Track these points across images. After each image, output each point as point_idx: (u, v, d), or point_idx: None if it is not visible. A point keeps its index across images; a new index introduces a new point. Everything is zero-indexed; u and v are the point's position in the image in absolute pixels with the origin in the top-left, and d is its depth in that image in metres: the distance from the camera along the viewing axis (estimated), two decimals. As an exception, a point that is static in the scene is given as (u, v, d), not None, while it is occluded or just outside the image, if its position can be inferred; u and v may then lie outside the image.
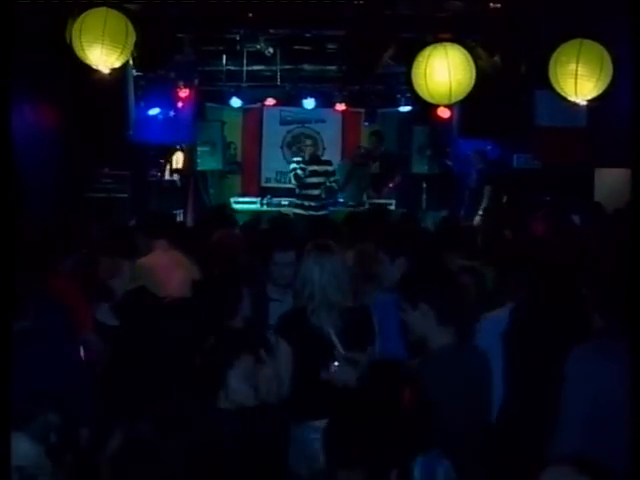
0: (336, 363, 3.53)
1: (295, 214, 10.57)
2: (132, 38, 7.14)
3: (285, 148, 13.46)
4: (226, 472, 2.72)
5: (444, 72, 7.40)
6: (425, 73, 7.41)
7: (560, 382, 3.10)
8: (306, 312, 3.84)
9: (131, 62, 7.90)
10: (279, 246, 4.70)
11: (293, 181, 11.01)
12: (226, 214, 7.39)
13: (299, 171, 10.86)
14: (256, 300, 4.23)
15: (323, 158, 11.61)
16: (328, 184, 11.04)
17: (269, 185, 13.32)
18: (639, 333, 2.83)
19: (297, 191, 11.05)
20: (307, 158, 11.00)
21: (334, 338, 3.75)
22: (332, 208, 11.09)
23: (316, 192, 10.90)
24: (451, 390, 3.02)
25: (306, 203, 10.82)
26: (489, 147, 10.93)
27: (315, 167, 10.96)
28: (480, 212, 10.13)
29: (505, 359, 3.67)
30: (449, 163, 11.77)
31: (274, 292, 4.67)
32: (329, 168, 11.16)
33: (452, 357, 3.17)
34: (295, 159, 11.30)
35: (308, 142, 11.45)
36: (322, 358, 3.69)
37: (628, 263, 3.18)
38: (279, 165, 13.34)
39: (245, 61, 10.76)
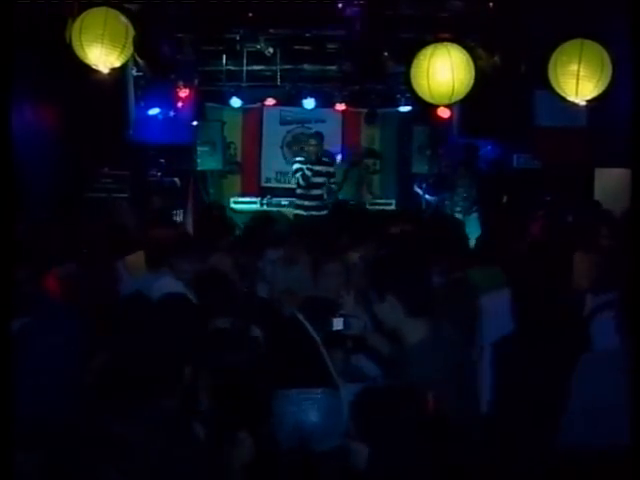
0: (341, 320, 3.63)
1: (295, 215, 10.56)
2: (132, 38, 7.16)
3: (285, 148, 13.44)
4: None
5: (447, 72, 7.39)
6: (428, 73, 7.40)
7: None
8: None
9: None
10: (271, 243, 4.80)
11: (301, 181, 10.90)
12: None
13: (307, 172, 10.80)
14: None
15: (324, 159, 11.60)
16: (328, 185, 11.04)
17: (269, 185, 13.29)
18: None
19: (299, 191, 11.01)
20: (313, 158, 10.94)
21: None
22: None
23: (319, 192, 10.87)
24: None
25: (307, 203, 10.79)
26: (489, 147, 10.94)
27: (319, 167, 10.95)
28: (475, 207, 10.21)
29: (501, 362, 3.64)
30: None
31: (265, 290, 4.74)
32: (330, 169, 11.15)
33: (427, 354, 3.07)
34: (298, 159, 11.22)
35: (313, 142, 11.37)
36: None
37: (630, 264, 3.17)
38: (279, 165, 13.32)
39: (245, 61, 10.76)
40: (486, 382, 3.56)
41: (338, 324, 3.57)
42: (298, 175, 10.86)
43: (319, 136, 11.18)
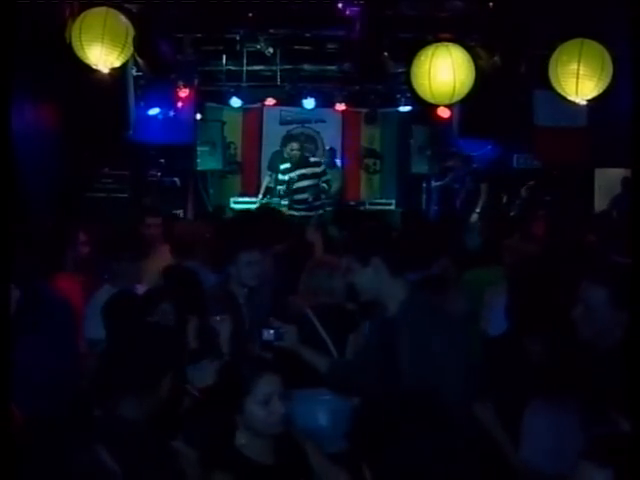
0: (271, 331, 3.54)
1: (290, 215, 10.54)
2: (131, 38, 7.17)
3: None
4: None
5: (449, 72, 7.40)
6: (429, 73, 7.41)
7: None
8: None
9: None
10: (245, 245, 4.59)
11: (282, 192, 11.03)
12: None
13: (284, 177, 10.85)
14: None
15: (312, 159, 11.47)
16: (320, 185, 10.91)
17: (269, 185, 13.30)
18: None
19: (287, 198, 10.99)
20: (292, 165, 10.86)
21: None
22: (329, 208, 10.89)
23: (304, 196, 10.74)
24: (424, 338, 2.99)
25: (297, 207, 10.75)
26: (489, 147, 10.94)
27: (303, 170, 10.82)
28: (477, 210, 10.14)
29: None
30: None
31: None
32: (317, 170, 10.99)
33: (407, 318, 3.09)
34: (282, 167, 11.17)
35: (294, 146, 11.19)
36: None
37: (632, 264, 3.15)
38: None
39: (245, 61, 10.76)
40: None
41: (268, 335, 3.48)
42: (282, 187, 11.01)
43: (315, 136, 11.18)
